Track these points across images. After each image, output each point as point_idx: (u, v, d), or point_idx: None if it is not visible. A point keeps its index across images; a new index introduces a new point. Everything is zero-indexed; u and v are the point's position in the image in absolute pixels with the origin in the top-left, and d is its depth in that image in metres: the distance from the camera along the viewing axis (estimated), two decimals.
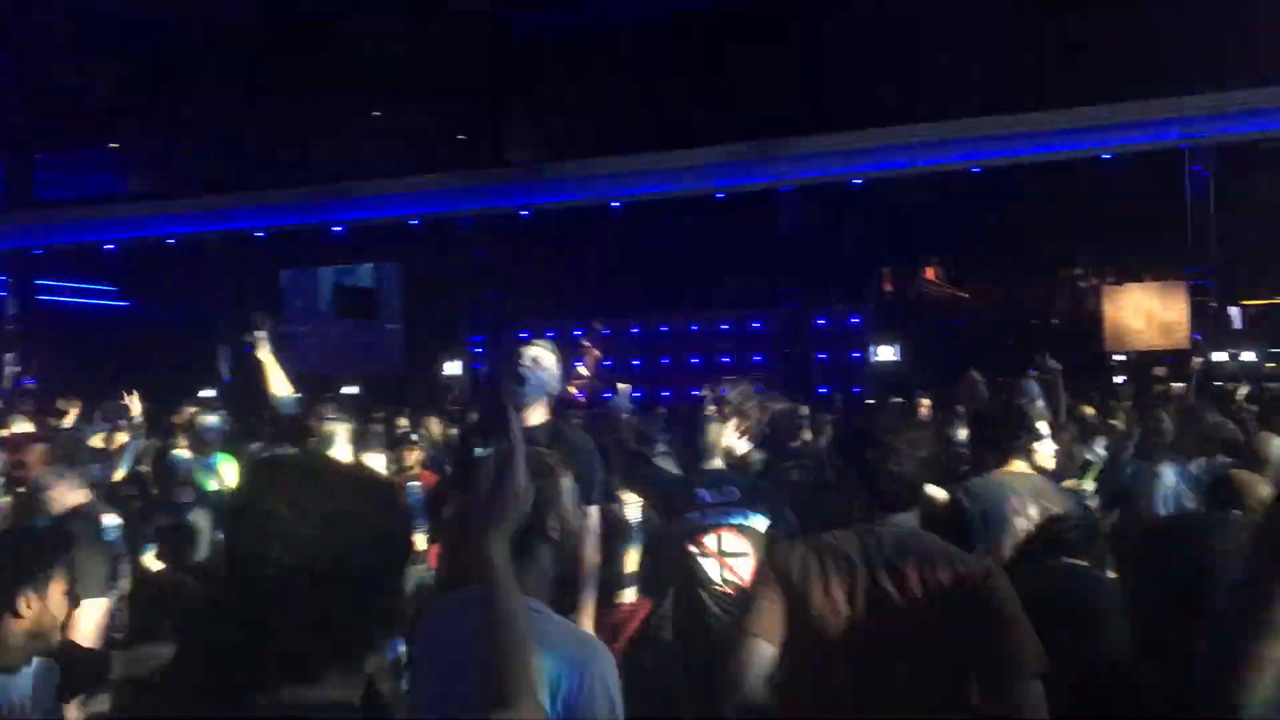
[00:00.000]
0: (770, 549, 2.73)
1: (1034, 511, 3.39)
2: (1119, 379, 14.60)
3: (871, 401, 13.01)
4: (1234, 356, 14.00)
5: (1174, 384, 10.59)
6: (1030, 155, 14.93)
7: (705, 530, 4.39)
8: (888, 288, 18.36)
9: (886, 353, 16.43)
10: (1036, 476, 3.73)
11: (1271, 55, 13.51)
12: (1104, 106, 13.94)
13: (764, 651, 2.42)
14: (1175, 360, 13.72)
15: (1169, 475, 4.72)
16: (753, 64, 15.85)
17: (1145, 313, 15.49)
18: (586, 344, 19.57)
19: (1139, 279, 15.92)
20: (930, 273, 18.37)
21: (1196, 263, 15.35)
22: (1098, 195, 15.00)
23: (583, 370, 19.46)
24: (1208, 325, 14.91)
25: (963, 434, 5.24)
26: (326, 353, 18.71)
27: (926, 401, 7.99)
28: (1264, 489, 4.02)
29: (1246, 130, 14.33)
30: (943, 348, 15.45)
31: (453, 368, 18.38)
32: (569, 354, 19.85)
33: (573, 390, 19.35)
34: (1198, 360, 9.88)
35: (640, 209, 17.54)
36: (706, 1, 16.05)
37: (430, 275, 18.90)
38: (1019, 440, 3.90)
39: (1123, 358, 15.68)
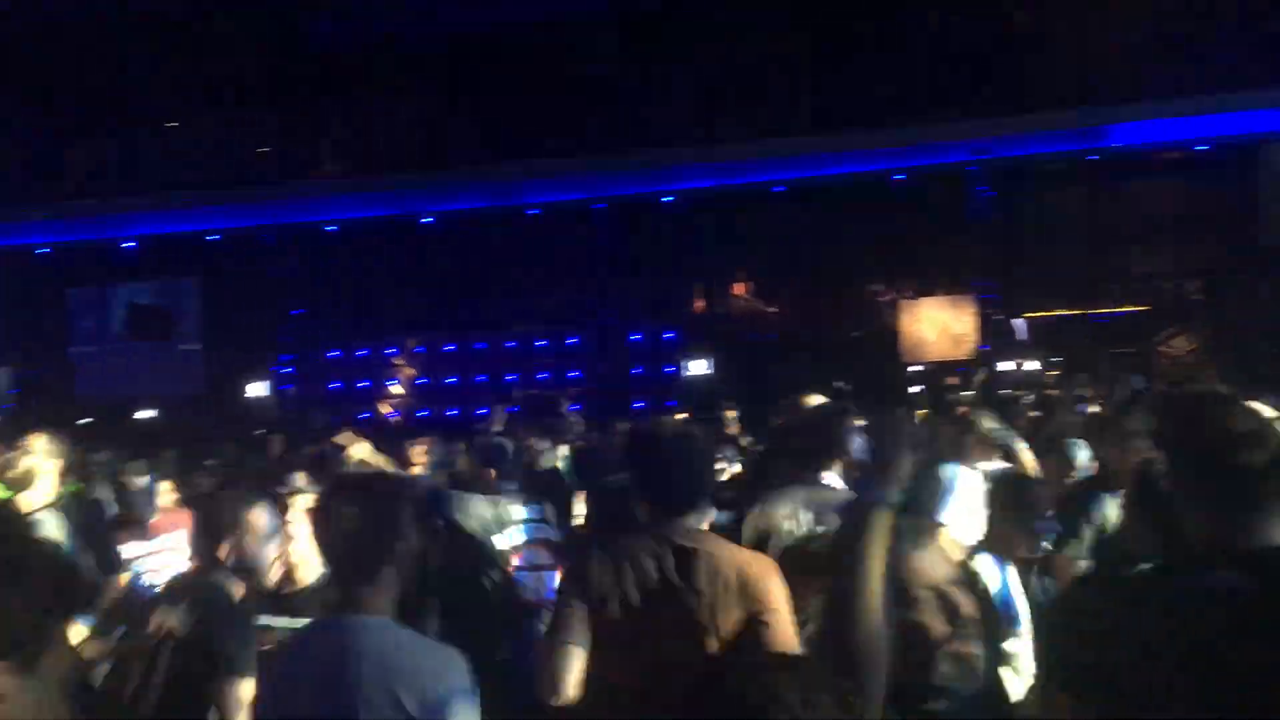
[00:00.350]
0: (572, 564, 2.86)
1: (805, 519, 3.49)
2: (915, 389, 15.30)
3: (683, 415, 13.21)
4: (1019, 366, 14.88)
5: (963, 392, 11.21)
6: (831, 175, 15.62)
7: (521, 548, 4.46)
8: (700, 303, 18.73)
9: (699, 367, 16.74)
10: (824, 489, 3.81)
11: (1053, 80, 14.54)
12: (897, 129, 14.68)
13: (575, 655, 2.60)
14: (965, 371, 14.53)
15: None
16: (571, 79, 15.96)
17: (938, 325, 16.31)
18: (399, 362, 19.24)
19: (932, 294, 16.76)
20: (740, 288, 18.83)
21: (983, 277, 16.35)
22: (893, 213, 15.77)
23: (396, 389, 19.12)
24: (994, 337, 15.84)
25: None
26: (119, 375, 17.71)
27: (732, 414, 8.15)
28: (1038, 490, 4.29)
29: (1029, 152, 15.38)
30: (753, 362, 15.86)
31: (258, 389, 17.69)
32: (383, 372, 19.30)
33: (387, 409, 18.96)
34: (983, 370, 10.45)
35: (454, 224, 17.37)
36: (533, 11, 15.99)
37: (232, 292, 18.16)
38: (818, 452, 3.99)
39: (919, 368, 16.43)
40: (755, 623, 2.54)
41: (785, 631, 2.56)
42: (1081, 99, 14.37)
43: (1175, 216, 16.56)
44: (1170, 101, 14.36)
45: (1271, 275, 15.02)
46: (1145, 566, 1.92)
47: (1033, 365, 14.82)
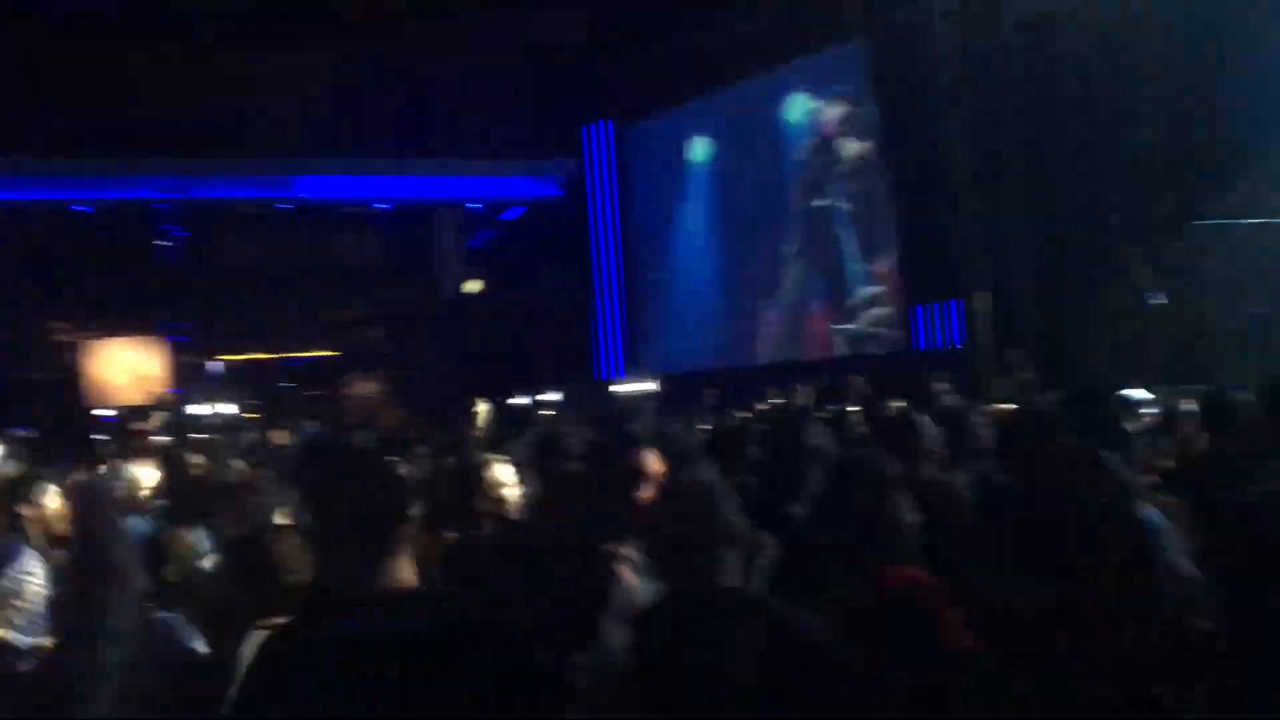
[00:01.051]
0: None
1: None
2: (102, 436, 14.31)
3: None
4: (213, 409, 14.68)
5: (153, 436, 10.83)
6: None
7: None
8: None
9: None
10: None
11: (248, 128, 14.84)
12: (65, 160, 13.80)
13: None
14: (156, 413, 13.98)
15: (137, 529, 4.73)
16: None
17: (125, 368, 15.49)
18: None
19: (120, 334, 15.92)
20: None
21: (174, 319, 15.95)
22: (70, 248, 14.82)
23: None
24: (188, 379, 15.48)
25: None
26: None
27: None
28: (291, 550, 4.29)
29: (213, 195, 15.42)
30: None
31: None
32: None
33: None
34: (165, 412, 10.18)
35: None
36: None
37: None
38: None
39: (110, 412, 15.43)
40: None
41: None
42: (273, 149, 14.88)
43: (365, 267, 17.92)
44: (355, 160, 15.53)
45: (449, 323, 17.03)
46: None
47: (228, 408, 14.75)
